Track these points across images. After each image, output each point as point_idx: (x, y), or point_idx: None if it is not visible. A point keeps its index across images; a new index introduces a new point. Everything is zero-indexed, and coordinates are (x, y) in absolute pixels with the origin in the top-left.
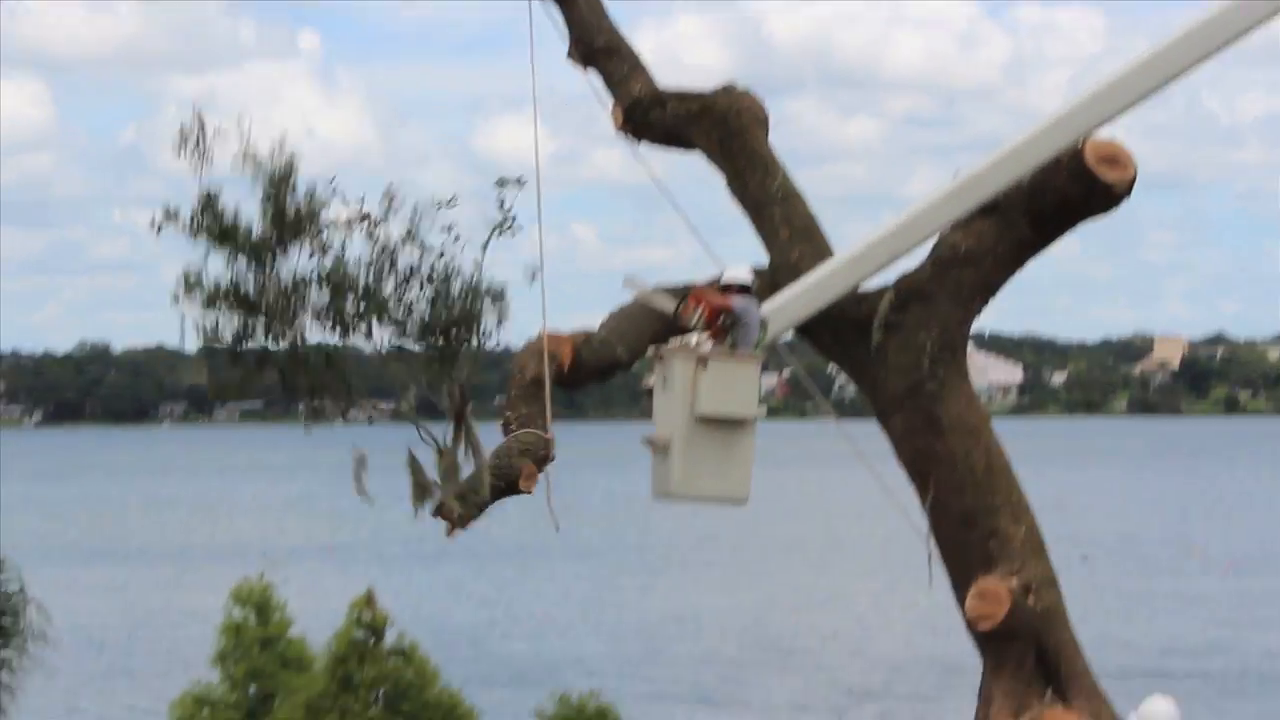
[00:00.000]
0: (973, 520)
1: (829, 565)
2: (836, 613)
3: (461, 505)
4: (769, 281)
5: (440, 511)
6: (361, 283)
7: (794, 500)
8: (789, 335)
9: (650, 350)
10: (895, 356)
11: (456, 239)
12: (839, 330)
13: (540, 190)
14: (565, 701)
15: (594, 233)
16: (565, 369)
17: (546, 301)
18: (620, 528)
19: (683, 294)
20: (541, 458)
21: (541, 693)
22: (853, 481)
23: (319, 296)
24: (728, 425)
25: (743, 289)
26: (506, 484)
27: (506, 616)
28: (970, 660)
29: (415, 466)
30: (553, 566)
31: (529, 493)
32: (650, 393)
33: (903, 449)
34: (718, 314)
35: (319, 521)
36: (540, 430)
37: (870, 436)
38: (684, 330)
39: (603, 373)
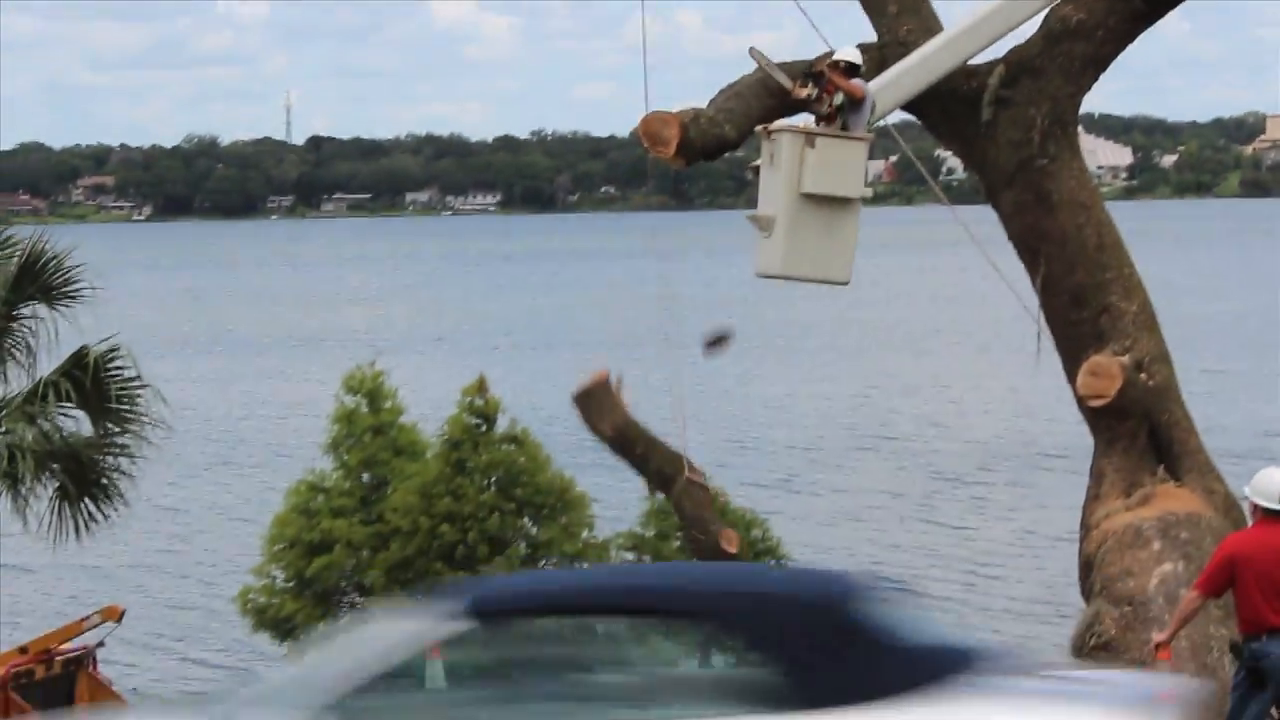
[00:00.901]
0: (1084, 297)
1: (930, 350)
2: (934, 398)
3: None
4: (877, 58)
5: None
6: None
7: (898, 285)
8: (897, 114)
9: (758, 129)
10: (1005, 132)
11: None
12: (948, 106)
13: None
14: None
15: (699, 19)
16: (674, 147)
17: (650, 90)
18: (722, 315)
19: (804, 73)
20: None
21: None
22: (959, 266)
23: None
24: (832, 205)
25: (852, 68)
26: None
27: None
28: (1066, 445)
29: None
30: (654, 353)
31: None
32: (757, 171)
33: (1013, 226)
34: (834, 95)
35: (426, 312)
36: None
37: (978, 221)
38: (796, 109)
39: (710, 151)
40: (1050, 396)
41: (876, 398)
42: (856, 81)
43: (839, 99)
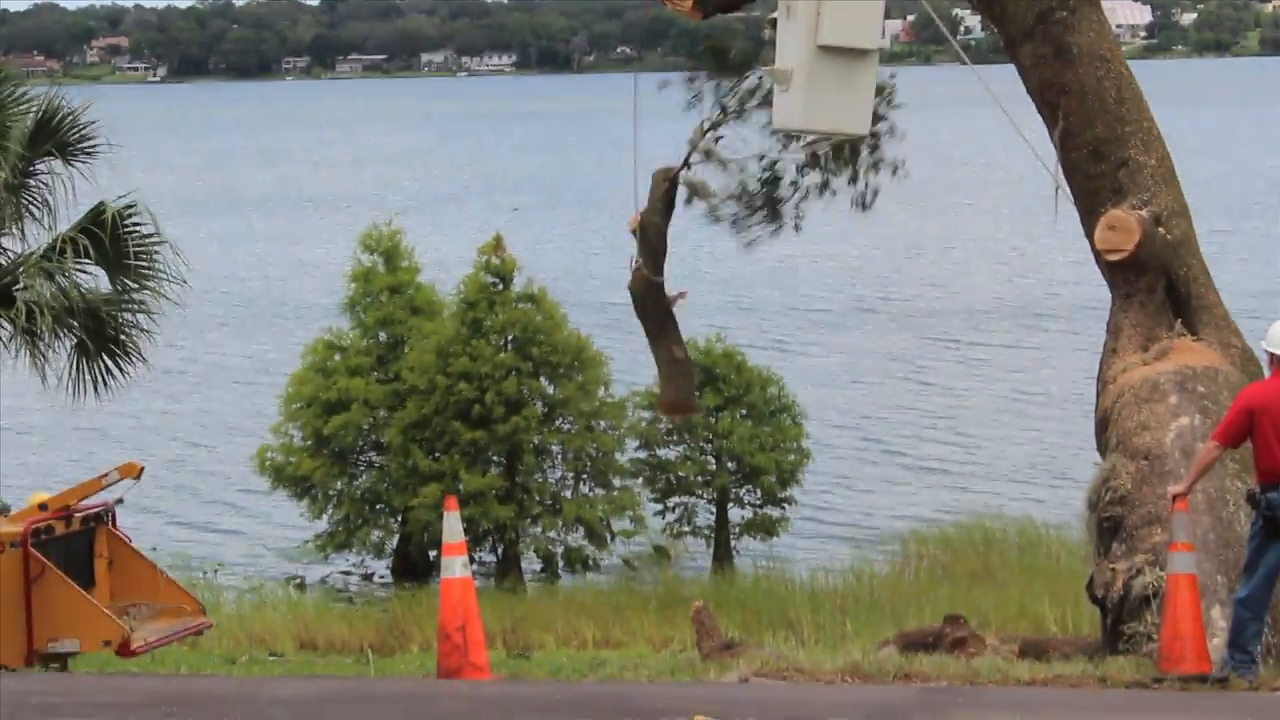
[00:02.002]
0: (1103, 150)
1: (942, 210)
2: (939, 259)
3: None
4: None
5: None
6: None
7: (915, 144)
8: None
9: None
10: None
11: None
12: None
13: None
14: (692, 346)
15: None
16: (690, 1)
17: None
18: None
19: None
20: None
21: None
22: (977, 127)
23: None
24: (849, 56)
25: None
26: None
27: (619, 264)
28: (1068, 304)
29: None
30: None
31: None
32: (774, 25)
33: (1031, 79)
34: None
35: (441, 172)
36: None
37: (995, 80)
38: None
39: (728, 4)
40: (1053, 257)
41: (882, 259)
42: None
43: None
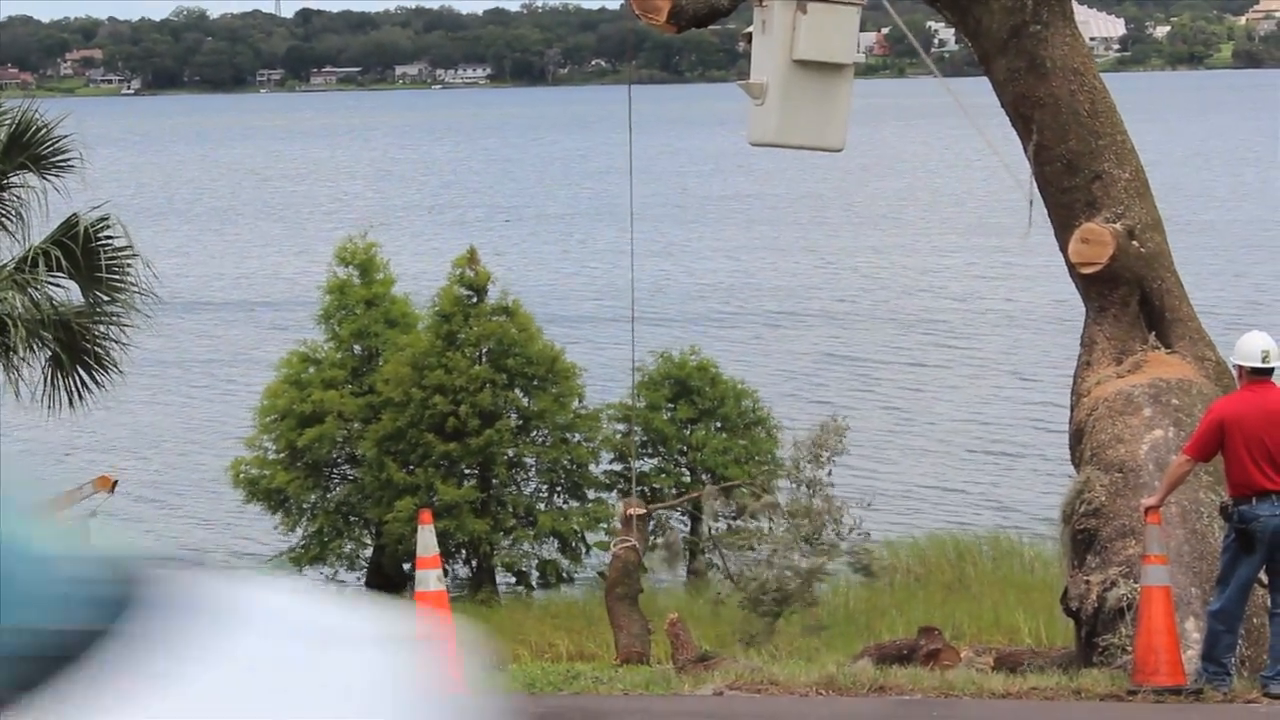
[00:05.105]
0: (1076, 164)
1: (912, 221)
2: (907, 270)
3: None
4: None
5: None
6: None
7: (887, 156)
8: None
9: None
10: None
11: None
12: None
13: None
14: (668, 359)
15: None
16: (666, 14)
17: None
18: (708, 186)
19: None
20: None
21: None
22: (949, 138)
23: None
24: (825, 71)
25: None
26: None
27: (587, 276)
28: (1034, 318)
29: None
30: (646, 226)
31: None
32: (749, 39)
33: (1005, 93)
34: None
35: (415, 184)
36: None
37: (969, 92)
38: None
39: (702, 18)
40: (1018, 267)
41: (843, 272)
42: None
43: None
